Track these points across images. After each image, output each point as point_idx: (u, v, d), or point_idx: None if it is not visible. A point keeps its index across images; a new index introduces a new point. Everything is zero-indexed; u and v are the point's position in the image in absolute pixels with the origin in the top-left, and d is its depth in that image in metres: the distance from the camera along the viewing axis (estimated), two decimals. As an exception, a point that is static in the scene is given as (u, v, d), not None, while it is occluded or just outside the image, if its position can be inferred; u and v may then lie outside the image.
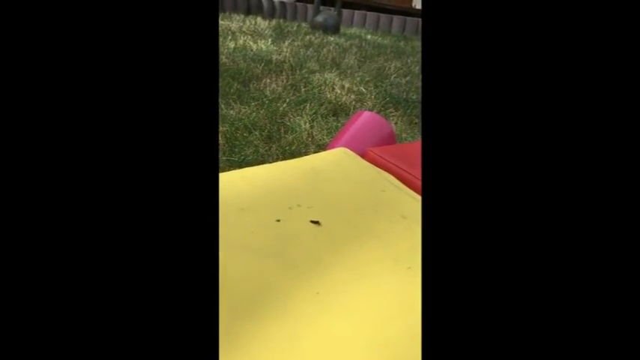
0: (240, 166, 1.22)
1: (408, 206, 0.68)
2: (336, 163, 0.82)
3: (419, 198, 0.71)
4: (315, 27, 3.32)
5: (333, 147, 1.05)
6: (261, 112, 1.66)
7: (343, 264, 0.52)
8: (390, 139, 1.10)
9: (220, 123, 1.51)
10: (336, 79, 2.18)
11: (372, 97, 2.03)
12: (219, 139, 1.40)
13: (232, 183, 0.68)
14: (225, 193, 0.65)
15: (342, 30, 3.51)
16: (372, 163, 0.85)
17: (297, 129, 1.56)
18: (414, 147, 0.96)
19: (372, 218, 0.64)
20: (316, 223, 0.61)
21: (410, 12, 4.73)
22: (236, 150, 1.34)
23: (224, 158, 1.31)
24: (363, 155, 0.89)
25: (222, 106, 1.68)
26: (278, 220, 0.60)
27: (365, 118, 1.12)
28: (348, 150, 0.88)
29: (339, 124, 1.66)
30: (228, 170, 0.75)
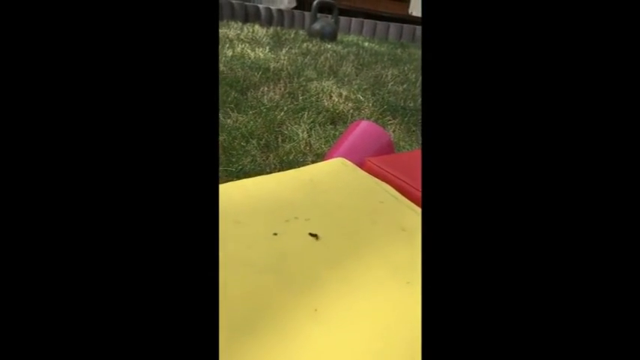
0: (238, 177, 1.21)
1: (407, 218, 0.68)
2: (333, 173, 0.81)
3: (418, 210, 0.70)
4: (312, 34, 3.33)
5: (330, 157, 1.04)
6: (259, 120, 1.65)
7: (341, 279, 0.51)
8: (389, 149, 1.10)
9: (218, 132, 1.50)
10: (334, 87, 2.18)
11: (370, 104, 2.03)
12: (217, 148, 1.40)
13: (229, 195, 0.68)
14: (222, 205, 0.64)
15: (339, 37, 3.52)
16: (370, 173, 0.84)
17: (295, 137, 1.56)
18: (412, 156, 0.96)
19: (370, 231, 0.63)
20: (314, 236, 0.60)
21: (406, 19, 4.75)
22: (233, 160, 1.33)
23: (221, 168, 1.30)
24: (361, 165, 0.89)
25: (220, 115, 1.68)
26: (275, 234, 0.59)
27: (362, 127, 1.11)
28: (346, 160, 0.87)
29: (337, 133, 1.66)
30: (226, 181, 0.75)
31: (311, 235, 0.60)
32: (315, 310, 0.46)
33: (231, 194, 0.68)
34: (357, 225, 0.64)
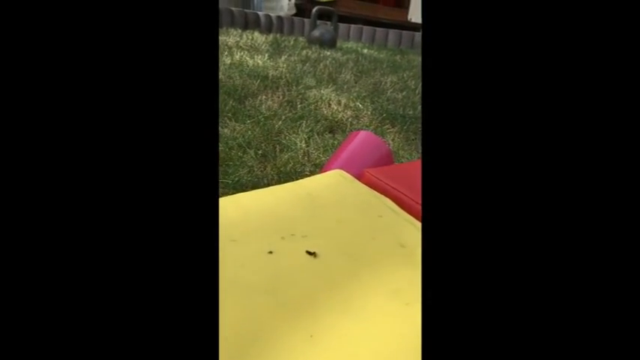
0: (235, 189, 1.20)
1: (407, 233, 0.66)
2: (332, 187, 0.79)
3: (418, 224, 0.68)
4: (311, 41, 3.33)
5: (329, 168, 1.02)
6: (257, 130, 1.64)
7: (338, 302, 0.50)
8: (388, 159, 1.08)
9: (215, 142, 1.49)
10: (333, 94, 2.17)
11: (369, 112, 2.02)
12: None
13: (223, 211, 0.66)
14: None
15: (338, 44, 3.51)
16: (369, 185, 0.83)
17: (293, 147, 1.54)
18: (412, 167, 0.94)
19: (369, 248, 0.61)
20: (312, 254, 0.58)
21: (405, 25, 4.76)
22: (230, 171, 1.31)
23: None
24: (359, 177, 0.87)
25: (218, 123, 1.66)
26: (270, 252, 0.57)
27: (361, 137, 1.10)
28: (344, 172, 0.86)
29: (336, 142, 1.64)
30: (222, 194, 0.73)
31: (308, 253, 0.58)
32: (311, 335, 0.44)
33: (227, 210, 0.66)
34: (355, 242, 0.62)
